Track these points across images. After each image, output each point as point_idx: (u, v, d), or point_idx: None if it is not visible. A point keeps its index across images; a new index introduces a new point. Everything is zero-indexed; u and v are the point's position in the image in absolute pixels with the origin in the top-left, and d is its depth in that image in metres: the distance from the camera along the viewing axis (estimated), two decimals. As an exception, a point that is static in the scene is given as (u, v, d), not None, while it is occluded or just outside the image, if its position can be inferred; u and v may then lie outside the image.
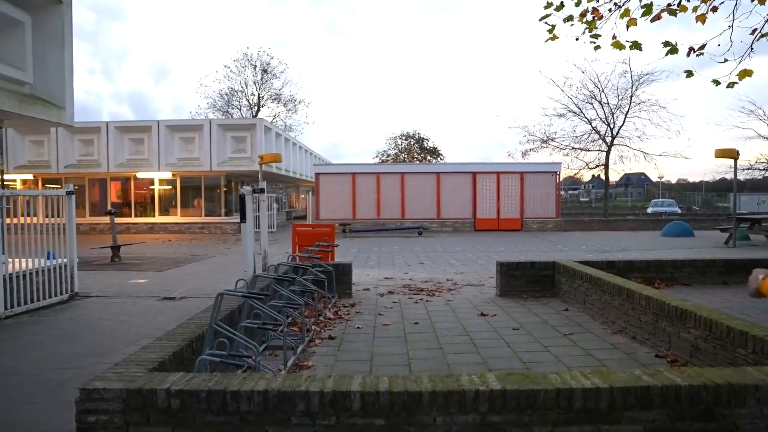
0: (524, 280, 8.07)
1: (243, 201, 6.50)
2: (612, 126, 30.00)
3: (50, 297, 7.86)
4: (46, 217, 8.09)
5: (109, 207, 24.95)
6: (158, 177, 24.36)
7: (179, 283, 9.92)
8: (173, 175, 24.16)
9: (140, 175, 24.15)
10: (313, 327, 5.89)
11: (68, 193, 8.20)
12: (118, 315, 7.21)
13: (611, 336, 5.57)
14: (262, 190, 8.01)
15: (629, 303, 5.47)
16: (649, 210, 34.34)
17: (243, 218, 6.55)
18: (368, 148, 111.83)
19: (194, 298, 8.26)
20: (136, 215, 25.04)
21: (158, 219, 24.68)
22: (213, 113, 43.45)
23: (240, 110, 45.07)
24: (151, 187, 24.78)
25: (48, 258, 8.24)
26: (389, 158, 48.13)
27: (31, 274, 7.59)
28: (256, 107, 45.07)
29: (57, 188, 10.84)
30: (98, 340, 5.85)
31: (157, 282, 10.18)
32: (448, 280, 9.73)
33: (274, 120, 43.91)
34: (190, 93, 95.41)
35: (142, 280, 10.40)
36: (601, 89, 29.71)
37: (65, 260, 8.22)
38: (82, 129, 23.79)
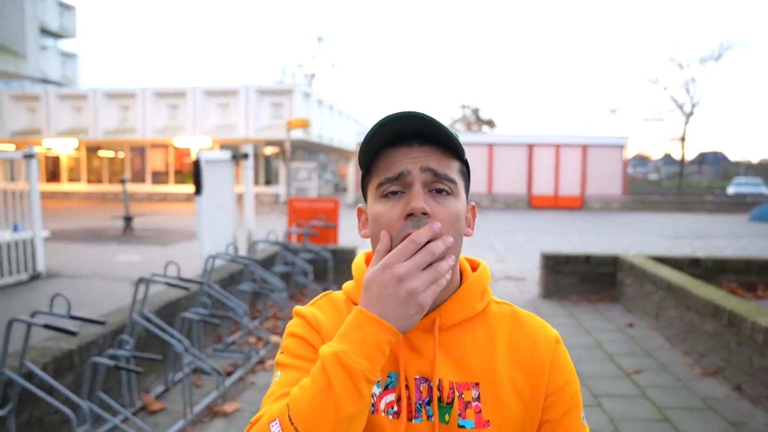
0: (576, 278, 6.22)
1: (198, 169, 4.97)
2: (692, 94, 26.70)
3: (2, 277, 6.66)
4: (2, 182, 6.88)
5: (147, 175, 24.43)
6: (196, 145, 23.45)
7: (174, 260, 8.63)
8: (213, 143, 23.19)
9: (178, 142, 23.30)
10: (270, 339, 4.34)
11: (26, 156, 6.92)
12: (62, 304, 5.91)
13: (700, 380, 3.72)
14: (245, 156, 6.45)
15: (732, 333, 3.59)
16: (731, 190, 30.73)
17: (198, 190, 5.02)
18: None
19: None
20: (176, 183, 24.35)
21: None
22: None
23: (294, 79, 44.01)
24: (187, 159, 23.91)
25: (15, 231, 7.10)
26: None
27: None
28: (311, 77, 43.89)
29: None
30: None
31: (150, 260, 8.93)
32: (482, 270, 7.95)
33: (329, 88, 42.58)
34: (247, 63, 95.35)
35: (135, 258, 9.19)
36: (681, 49, 26.37)
37: (22, 234, 7.00)
38: (118, 94, 23.16)
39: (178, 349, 3.05)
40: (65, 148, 24.75)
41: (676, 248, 10.64)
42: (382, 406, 0.84)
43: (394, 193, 0.84)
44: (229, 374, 3.75)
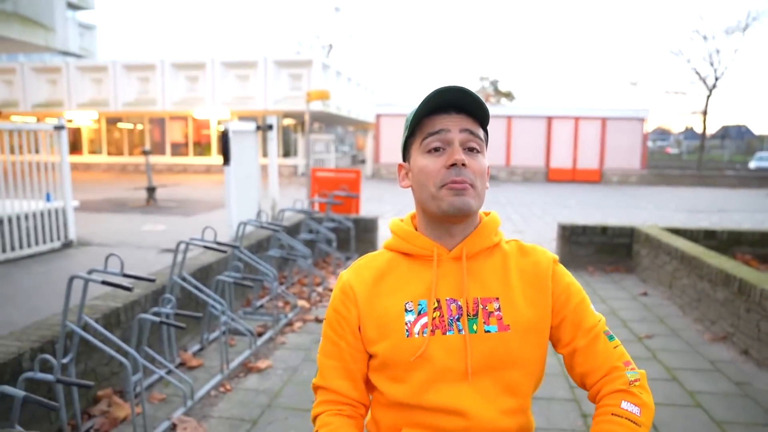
0: (592, 249, 6.34)
1: (226, 139, 5.15)
2: (716, 66, 26.14)
3: (37, 245, 6.96)
4: (33, 153, 7.12)
5: (168, 146, 24.74)
6: (215, 116, 23.64)
7: (198, 230, 8.90)
8: (231, 114, 23.35)
9: (197, 114, 23.50)
10: (297, 303, 4.56)
11: (57, 127, 7.15)
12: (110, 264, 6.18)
13: (709, 345, 3.87)
14: (270, 127, 6.61)
15: (742, 300, 3.72)
16: (752, 165, 30.21)
17: (226, 160, 5.21)
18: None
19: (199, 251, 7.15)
20: (195, 155, 24.63)
21: (215, 159, 24.10)
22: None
23: (311, 50, 43.82)
24: (205, 130, 24.12)
25: (47, 200, 7.39)
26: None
27: (15, 218, 6.69)
28: (328, 49, 43.67)
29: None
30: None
31: (175, 229, 9.21)
32: (499, 241, 8.09)
33: (345, 61, 42.37)
34: (264, 34, 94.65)
35: (159, 227, 9.48)
36: (706, 20, 25.76)
37: (54, 204, 7.28)
38: (137, 66, 23.31)
39: (216, 310, 3.27)
40: (85, 120, 25.08)
41: (694, 222, 10.67)
42: (416, 329, 1.03)
43: (436, 149, 1.04)
44: (260, 335, 3.98)
